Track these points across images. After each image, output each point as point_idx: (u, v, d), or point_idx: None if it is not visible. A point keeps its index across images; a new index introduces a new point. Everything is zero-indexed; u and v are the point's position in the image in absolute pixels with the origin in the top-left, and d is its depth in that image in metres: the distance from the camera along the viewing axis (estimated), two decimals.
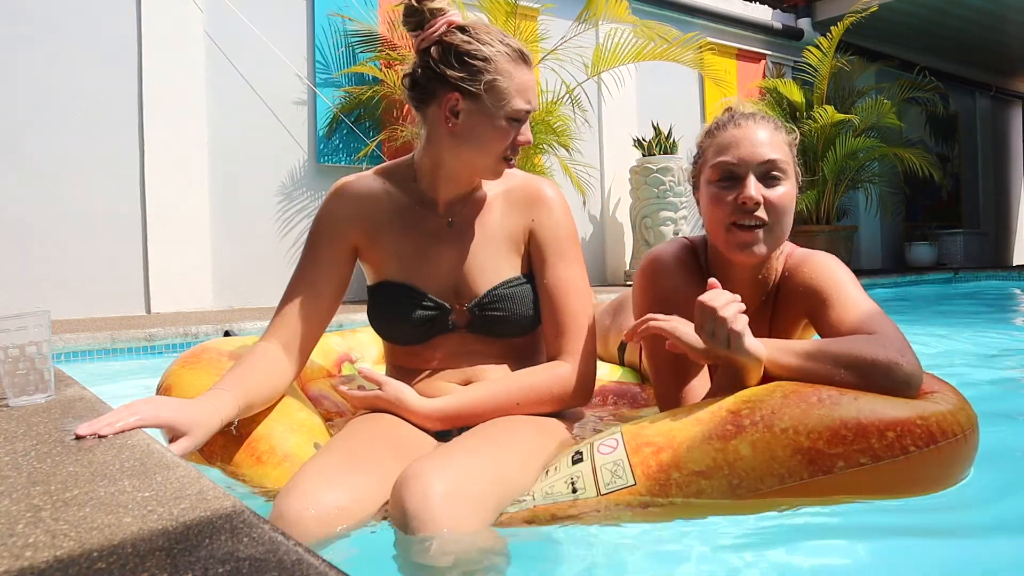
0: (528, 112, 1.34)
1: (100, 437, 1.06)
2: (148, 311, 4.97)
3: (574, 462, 1.18)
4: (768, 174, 1.33)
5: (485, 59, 1.31)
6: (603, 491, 1.11)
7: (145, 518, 0.72)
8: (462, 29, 1.34)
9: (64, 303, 4.62)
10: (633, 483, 1.11)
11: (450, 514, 0.99)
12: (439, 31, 1.34)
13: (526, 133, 1.36)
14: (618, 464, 1.13)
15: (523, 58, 1.34)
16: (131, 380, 3.31)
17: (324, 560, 0.62)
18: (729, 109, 1.47)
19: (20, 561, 0.62)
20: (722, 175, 1.35)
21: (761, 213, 1.32)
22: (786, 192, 1.35)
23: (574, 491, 1.13)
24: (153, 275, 4.96)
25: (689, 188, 7.44)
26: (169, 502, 0.77)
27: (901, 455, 1.06)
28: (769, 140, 1.34)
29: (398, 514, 1.01)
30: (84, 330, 3.67)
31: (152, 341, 3.71)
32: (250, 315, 4.45)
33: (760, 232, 1.33)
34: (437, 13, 1.35)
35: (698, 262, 1.49)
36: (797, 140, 1.42)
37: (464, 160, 1.38)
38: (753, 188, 1.31)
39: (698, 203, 1.44)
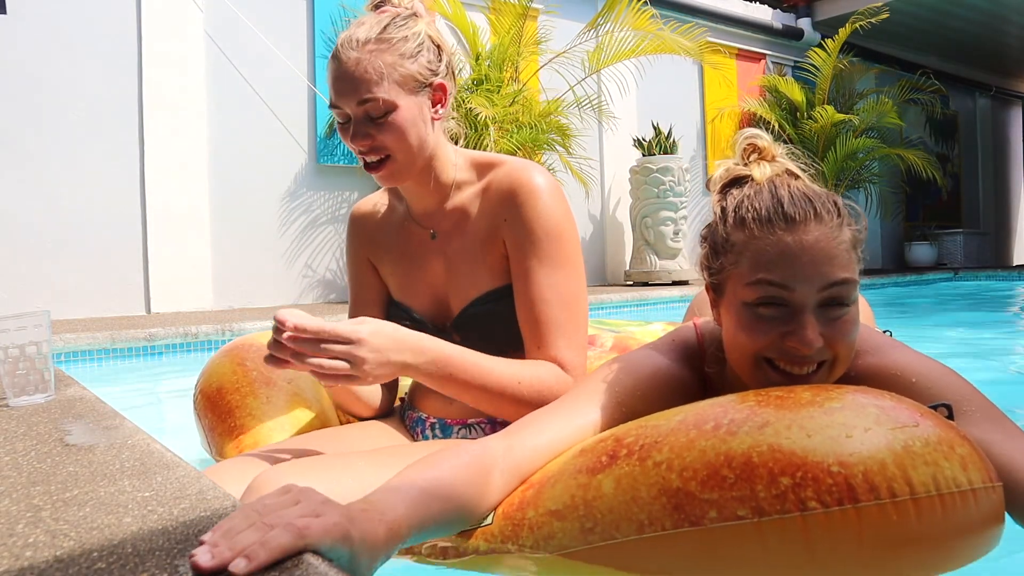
0: (335, 105, 1.17)
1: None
2: (148, 311, 4.97)
3: None
4: (832, 300, 0.93)
5: None
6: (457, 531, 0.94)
7: (145, 518, 0.72)
8: None
9: (64, 303, 4.62)
10: (490, 522, 0.92)
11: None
12: None
13: (351, 130, 1.17)
14: None
15: (333, 51, 1.17)
16: (131, 380, 3.32)
17: (324, 560, 0.62)
18: (771, 180, 0.99)
19: (20, 561, 0.62)
20: (765, 300, 0.94)
21: (818, 355, 0.93)
22: (851, 315, 0.94)
23: None
24: (153, 275, 4.96)
25: (689, 188, 7.39)
26: (169, 502, 0.77)
27: (796, 512, 0.75)
28: (835, 249, 0.92)
29: None
30: (84, 330, 3.67)
31: (152, 341, 3.71)
32: (250, 315, 4.45)
33: (819, 372, 0.95)
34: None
35: (697, 371, 1.10)
36: (866, 229, 1.00)
37: None
38: (811, 329, 0.91)
39: (713, 306, 1.05)
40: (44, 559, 0.63)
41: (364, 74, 1.13)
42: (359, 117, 1.15)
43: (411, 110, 1.17)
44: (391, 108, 1.15)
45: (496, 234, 1.22)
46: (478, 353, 1.15)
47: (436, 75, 1.21)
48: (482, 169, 1.27)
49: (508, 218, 1.20)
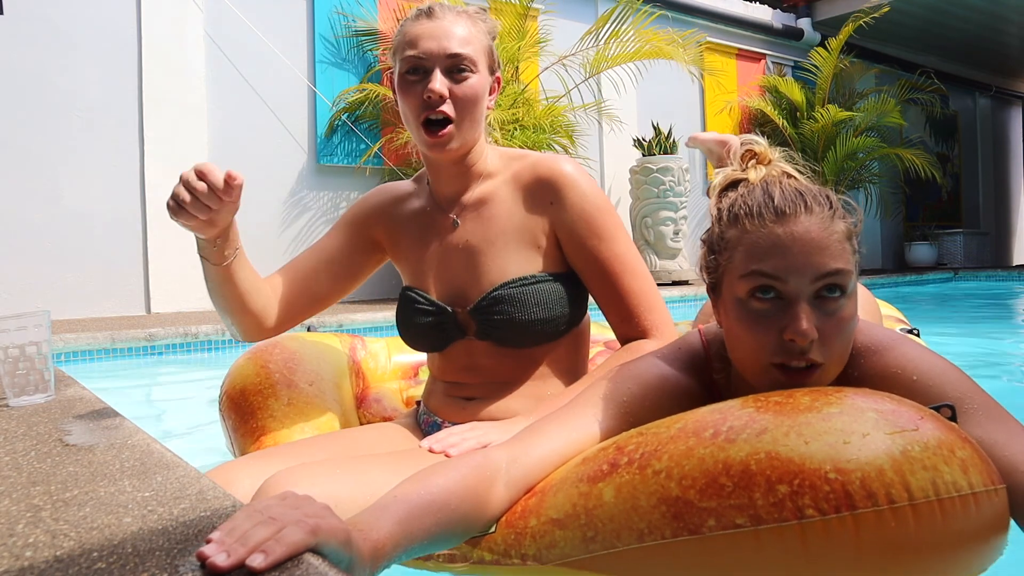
0: (418, 58, 1.21)
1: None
2: (148, 311, 4.97)
3: None
4: (827, 288, 0.92)
5: (399, 26, 1.28)
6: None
7: (145, 518, 0.72)
8: None
9: (64, 303, 4.62)
10: (492, 530, 0.93)
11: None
12: None
13: (427, 83, 1.21)
14: None
15: (422, 11, 1.24)
16: (131, 380, 3.31)
17: (324, 560, 0.62)
18: (764, 180, 1.01)
19: (20, 561, 0.62)
20: (758, 292, 0.94)
21: (815, 353, 0.92)
22: (847, 311, 0.93)
23: None
24: (153, 275, 4.96)
25: (689, 188, 7.35)
26: (169, 502, 0.77)
27: (793, 520, 0.75)
28: (827, 239, 0.92)
29: None
30: (84, 330, 3.67)
31: (152, 341, 3.71)
32: None
33: (814, 373, 0.93)
34: None
35: (703, 378, 1.09)
36: (861, 223, 0.99)
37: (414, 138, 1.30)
38: (806, 318, 0.90)
39: (714, 307, 1.05)
40: (44, 559, 0.63)
41: (461, 33, 1.22)
42: (443, 69, 1.21)
43: (483, 83, 1.25)
44: (474, 70, 1.22)
45: (540, 224, 1.27)
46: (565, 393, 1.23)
47: (498, 69, 1.31)
48: (508, 161, 1.33)
49: (556, 202, 1.26)
